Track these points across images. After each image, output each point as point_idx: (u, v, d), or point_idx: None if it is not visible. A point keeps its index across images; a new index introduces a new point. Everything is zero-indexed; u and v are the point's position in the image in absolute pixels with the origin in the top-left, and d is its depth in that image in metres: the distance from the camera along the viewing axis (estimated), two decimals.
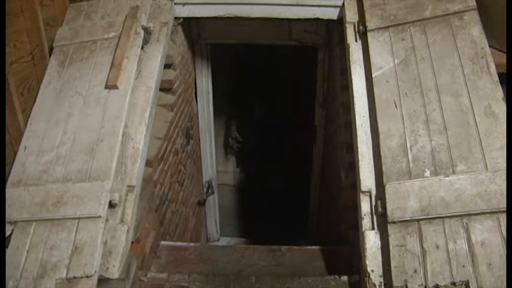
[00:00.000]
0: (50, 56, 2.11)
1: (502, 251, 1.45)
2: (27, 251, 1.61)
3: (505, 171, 1.55)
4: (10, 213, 1.68)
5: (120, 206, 1.72)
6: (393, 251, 1.55)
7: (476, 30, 1.88)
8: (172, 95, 2.57)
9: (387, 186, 1.64)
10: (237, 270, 1.94)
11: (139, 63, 2.04)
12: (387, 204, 1.61)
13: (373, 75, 1.91)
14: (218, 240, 4.18)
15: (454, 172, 1.61)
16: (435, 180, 1.60)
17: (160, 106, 2.42)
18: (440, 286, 1.45)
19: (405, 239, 1.55)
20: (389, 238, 1.57)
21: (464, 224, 1.52)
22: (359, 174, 1.77)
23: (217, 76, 3.52)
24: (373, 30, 2.02)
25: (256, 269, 1.96)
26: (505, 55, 2.09)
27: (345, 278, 1.80)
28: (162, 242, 2.20)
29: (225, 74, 3.99)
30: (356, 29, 2.10)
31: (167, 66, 2.43)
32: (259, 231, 4.48)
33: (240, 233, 4.86)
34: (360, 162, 1.79)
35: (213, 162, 3.78)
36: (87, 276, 1.54)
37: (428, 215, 1.56)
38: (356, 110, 1.90)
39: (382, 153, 1.73)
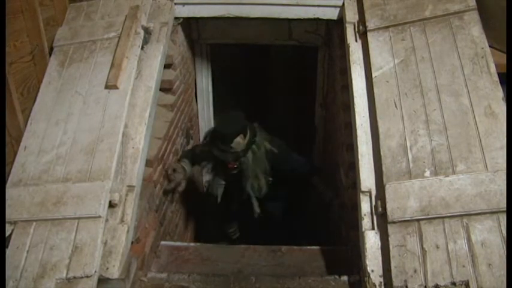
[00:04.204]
0: (50, 56, 2.12)
1: (502, 251, 1.45)
2: (27, 251, 1.61)
3: (505, 171, 1.55)
4: (10, 213, 1.68)
5: (120, 206, 1.72)
6: (393, 251, 1.55)
7: (476, 30, 1.87)
8: (172, 95, 2.57)
9: (387, 186, 1.64)
10: (237, 270, 1.94)
11: (139, 63, 2.04)
12: (387, 204, 1.61)
13: (373, 75, 1.91)
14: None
15: (454, 172, 1.61)
16: (435, 180, 1.60)
17: (160, 106, 2.42)
18: (440, 286, 1.45)
19: (405, 239, 1.55)
20: (389, 238, 1.57)
21: (464, 224, 1.52)
22: (359, 174, 1.77)
23: (217, 76, 3.51)
24: (373, 30, 2.02)
25: (256, 269, 1.96)
26: (505, 55, 2.09)
27: (345, 278, 1.80)
28: (162, 242, 2.20)
29: (225, 74, 3.99)
30: (356, 29, 2.10)
31: (167, 66, 2.43)
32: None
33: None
34: (360, 162, 1.79)
35: None
36: (87, 276, 1.54)
37: (428, 215, 1.55)
38: (356, 110, 1.90)
39: (382, 153, 1.73)
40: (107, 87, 1.95)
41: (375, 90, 1.87)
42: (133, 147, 1.85)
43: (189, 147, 3.00)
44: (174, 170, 2.41)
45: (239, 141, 2.32)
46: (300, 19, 2.39)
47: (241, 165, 2.41)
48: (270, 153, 2.44)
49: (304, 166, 2.62)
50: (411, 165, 1.67)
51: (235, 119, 2.40)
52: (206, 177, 3.68)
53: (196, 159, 2.60)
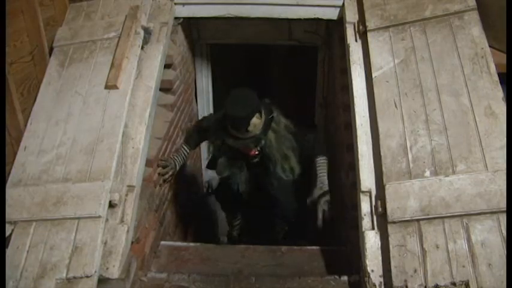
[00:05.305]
0: (50, 56, 2.12)
1: (502, 251, 1.45)
2: (27, 251, 1.61)
3: (505, 171, 1.55)
4: (10, 213, 1.68)
5: (120, 206, 1.72)
6: (393, 251, 1.55)
7: (476, 30, 1.87)
8: (172, 95, 2.57)
9: (387, 186, 1.64)
10: (237, 270, 1.94)
11: (139, 63, 2.04)
12: (387, 204, 1.61)
13: (373, 75, 1.91)
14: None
15: (454, 172, 1.61)
16: (435, 180, 1.60)
17: (160, 106, 2.42)
18: (440, 286, 1.45)
19: (405, 239, 1.55)
20: (389, 238, 1.57)
21: (464, 224, 1.52)
22: (359, 174, 1.77)
23: (217, 76, 3.51)
24: (373, 30, 2.02)
25: (256, 269, 1.96)
26: (505, 55, 2.09)
27: (345, 278, 1.80)
28: (162, 242, 2.20)
29: (225, 74, 3.99)
30: (356, 29, 2.10)
31: (167, 66, 2.43)
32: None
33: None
34: (360, 162, 1.79)
35: None
36: (87, 276, 1.54)
37: (428, 215, 1.55)
38: (356, 110, 1.90)
39: (382, 153, 1.73)
40: (106, 87, 1.95)
41: (375, 90, 1.87)
42: (133, 147, 1.85)
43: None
44: (164, 167, 2.24)
45: (256, 122, 1.99)
46: (300, 19, 2.39)
47: (263, 150, 2.09)
48: (288, 128, 2.15)
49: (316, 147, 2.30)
50: (411, 165, 1.67)
51: (246, 97, 2.01)
52: (206, 177, 3.68)
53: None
